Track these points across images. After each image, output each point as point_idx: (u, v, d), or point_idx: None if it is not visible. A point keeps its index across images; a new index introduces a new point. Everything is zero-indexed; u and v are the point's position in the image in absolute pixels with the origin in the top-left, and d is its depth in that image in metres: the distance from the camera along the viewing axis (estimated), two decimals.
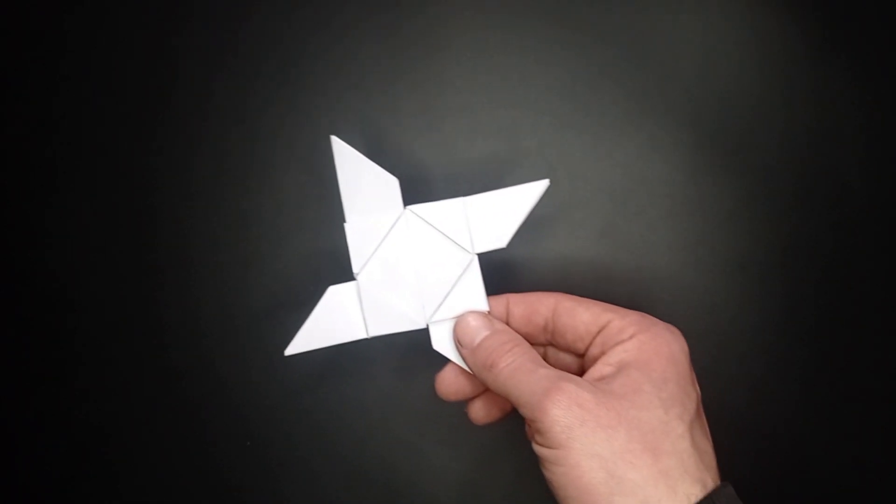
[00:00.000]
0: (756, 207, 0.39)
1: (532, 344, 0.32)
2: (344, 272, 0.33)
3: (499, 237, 0.32)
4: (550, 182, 0.37)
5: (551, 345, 0.33)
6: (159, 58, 0.39)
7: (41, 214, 0.39)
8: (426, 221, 0.32)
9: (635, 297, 0.38)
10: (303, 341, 0.32)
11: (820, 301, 0.39)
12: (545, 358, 0.34)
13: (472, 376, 0.32)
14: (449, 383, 0.33)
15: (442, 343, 0.32)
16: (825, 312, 0.39)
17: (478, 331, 0.31)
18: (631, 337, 0.30)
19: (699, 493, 0.26)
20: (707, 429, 0.30)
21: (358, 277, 0.32)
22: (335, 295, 0.32)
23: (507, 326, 0.32)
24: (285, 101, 0.38)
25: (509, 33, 0.38)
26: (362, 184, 0.32)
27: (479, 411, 0.34)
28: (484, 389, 0.33)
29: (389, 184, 0.32)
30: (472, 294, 0.32)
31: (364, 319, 0.32)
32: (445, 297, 0.32)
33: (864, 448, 0.39)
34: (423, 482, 0.39)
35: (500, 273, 0.36)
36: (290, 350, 0.32)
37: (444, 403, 0.39)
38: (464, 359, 0.32)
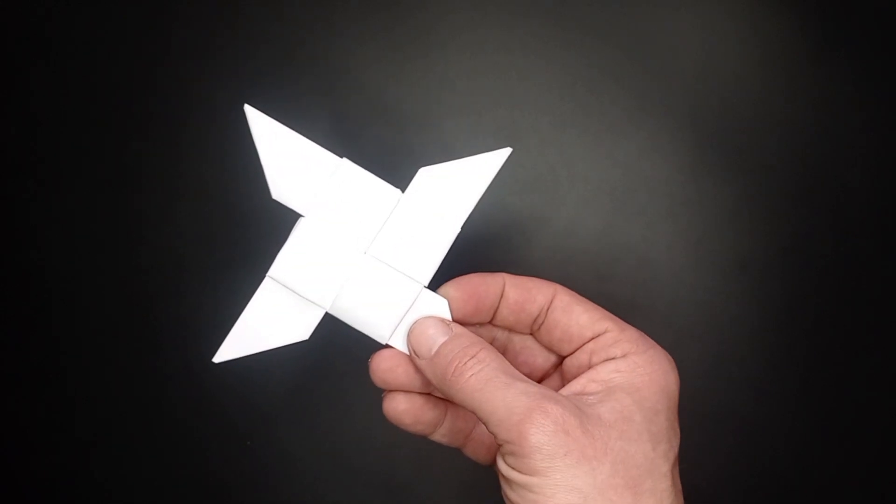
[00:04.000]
0: (756, 207, 0.39)
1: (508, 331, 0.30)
2: None
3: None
4: (551, 181, 0.37)
5: (530, 335, 0.30)
6: (154, 55, 0.39)
7: (31, 215, 0.39)
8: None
9: (635, 297, 0.38)
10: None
11: (820, 301, 0.39)
12: (509, 346, 0.31)
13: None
14: (385, 369, 0.29)
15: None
16: (825, 312, 0.39)
17: (435, 337, 0.27)
18: (625, 355, 0.27)
19: None
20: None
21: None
22: None
23: (467, 331, 0.28)
24: (283, 99, 0.38)
25: (509, 33, 0.38)
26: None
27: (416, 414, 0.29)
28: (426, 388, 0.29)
29: None
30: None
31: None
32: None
33: (863, 448, 0.39)
34: (423, 482, 0.39)
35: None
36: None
37: None
38: (421, 371, 0.28)
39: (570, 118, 0.38)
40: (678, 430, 0.27)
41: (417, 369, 0.28)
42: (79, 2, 0.39)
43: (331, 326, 0.38)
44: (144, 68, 0.39)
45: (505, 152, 0.29)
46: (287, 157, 0.28)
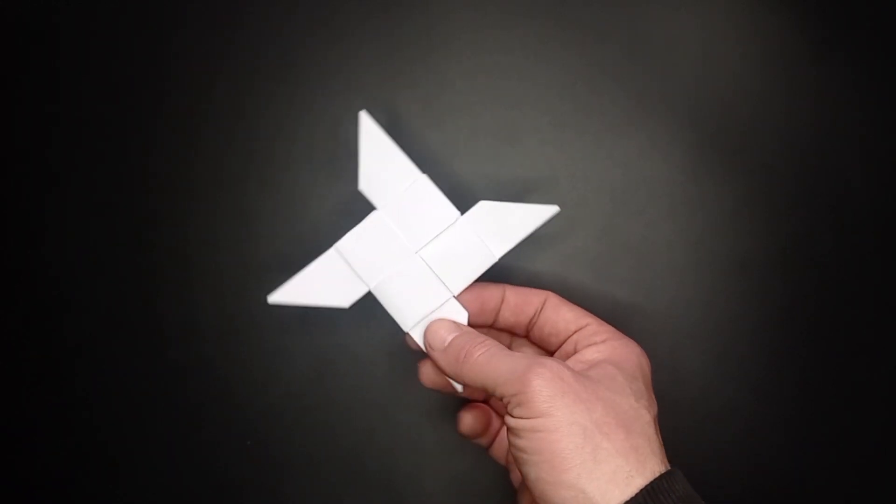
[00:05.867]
0: (756, 207, 0.39)
1: (508, 336, 0.36)
2: None
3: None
4: (551, 181, 0.37)
5: (525, 338, 0.36)
6: (158, 57, 0.39)
7: (39, 215, 0.39)
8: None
9: (635, 296, 0.38)
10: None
11: (820, 301, 0.39)
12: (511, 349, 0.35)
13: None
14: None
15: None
16: (825, 312, 0.39)
17: (448, 332, 0.33)
18: (604, 341, 0.32)
19: (664, 471, 0.28)
20: None
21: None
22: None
23: (474, 330, 0.33)
24: (284, 100, 0.38)
25: (509, 32, 0.38)
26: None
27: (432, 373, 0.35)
28: None
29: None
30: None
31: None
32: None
33: (864, 448, 0.39)
34: (423, 482, 0.39)
35: (500, 272, 0.36)
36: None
37: (445, 403, 0.39)
38: (434, 362, 0.33)
39: (570, 118, 0.38)
40: (654, 400, 0.31)
41: (432, 361, 0.33)
42: (85, 3, 0.39)
43: (329, 326, 0.38)
44: (149, 70, 0.39)
45: (553, 208, 0.33)
46: (381, 160, 0.33)
